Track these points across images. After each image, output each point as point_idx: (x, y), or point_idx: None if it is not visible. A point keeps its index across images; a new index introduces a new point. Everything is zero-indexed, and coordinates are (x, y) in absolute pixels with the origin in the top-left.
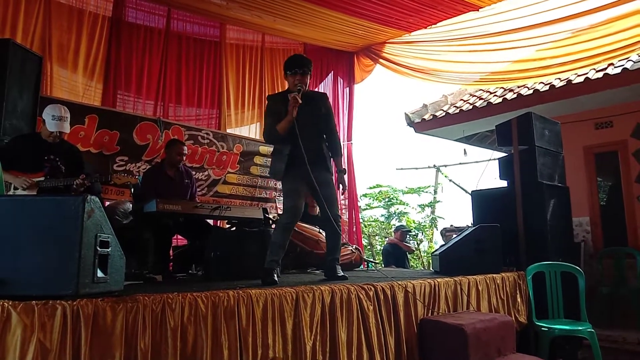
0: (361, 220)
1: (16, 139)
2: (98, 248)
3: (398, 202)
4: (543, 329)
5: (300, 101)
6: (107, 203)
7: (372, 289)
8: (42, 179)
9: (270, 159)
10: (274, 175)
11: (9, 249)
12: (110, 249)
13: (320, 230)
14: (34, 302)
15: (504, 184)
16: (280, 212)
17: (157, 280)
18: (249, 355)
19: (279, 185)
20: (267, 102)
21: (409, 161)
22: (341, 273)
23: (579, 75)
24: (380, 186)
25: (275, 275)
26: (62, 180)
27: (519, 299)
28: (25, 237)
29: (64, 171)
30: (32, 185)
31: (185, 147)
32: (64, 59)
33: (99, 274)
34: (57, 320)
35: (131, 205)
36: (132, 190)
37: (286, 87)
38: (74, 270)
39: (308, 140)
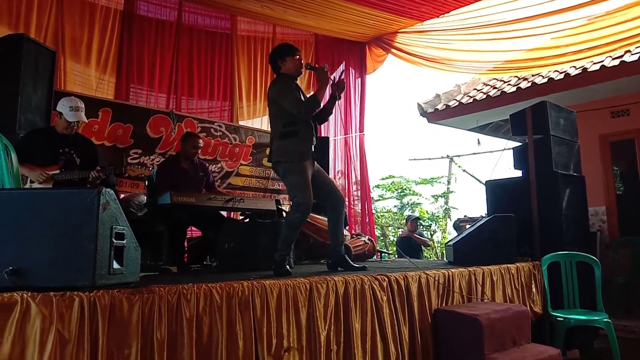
0: (374, 211)
1: (31, 132)
2: (114, 240)
3: (411, 192)
4: (559, 319)
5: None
6: (122, 196)
7: (386, 279)
8: (57, 172)
9: None
10: (300, 158)
11: (27, 241)
12: (125, 240)
13: None
14: (52, 293)
15: (518, 173)
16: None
17: (172, 272)
18: (263, 345)
19: None
20: (274, 84)
21: (422, 152)
22: (356, 264)
23: (594, 63)
24: (393, 177)
25: (288, 265)
26: (77, 173)
27: (534, 289)
28: (42, 229)
29: (79, 164)
30: (47, 179)
31: (200, 140)
32: (77, 53)
33: (115, 265)
34: (74, 311)
35: (146, 197)
36: (147, 182)
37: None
38: (90, 262)
39: (312, 123)
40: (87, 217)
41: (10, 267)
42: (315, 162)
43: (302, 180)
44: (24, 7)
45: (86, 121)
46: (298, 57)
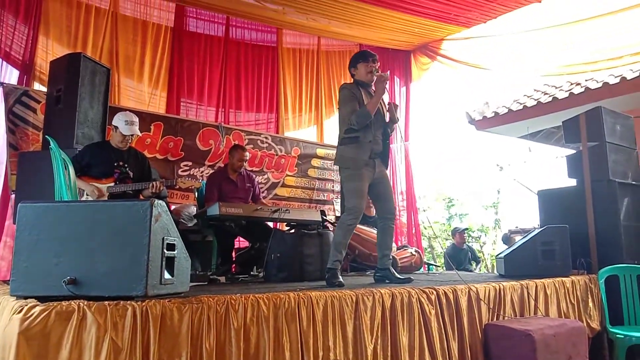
0: (420, 222)
1: (88, 147)
2: (165, 250)
3: (459, 203)
4: (618, 336)
5: (388, 78)
6: (173, 207)
7: (434, 292)
8: (112, 184)
9: (327, 162)
10: (356, 165)
11: (83, 251)
12: (176, 251)
13: None
14: (106, 302)
15: (572, 182)
16: (337, 214)
17: (220, 282)
18: (310, 357)
19: (336, 187)
20: (340, 90)
21: (470, 161)
22: (400, 276)
23: None
24: (441, 187)
25: (341, 276)
26: (131, 185)
27: (590, 304)
28: (97, 240)
29: (133, 177)
30: (101, 194)
31: (247, 153)
32: (130, 69)
33: (166, 275)
34: (127, 320)
35: (195, 208)
36: (196, 194)
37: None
38: (142, 272)
39: (378, 131)
40: (140, 229)
41: (68, 277)
42: (381, 170)
43: (356, 188)
44: (82, 28)
45: (140, 135)
46: (369, 64)
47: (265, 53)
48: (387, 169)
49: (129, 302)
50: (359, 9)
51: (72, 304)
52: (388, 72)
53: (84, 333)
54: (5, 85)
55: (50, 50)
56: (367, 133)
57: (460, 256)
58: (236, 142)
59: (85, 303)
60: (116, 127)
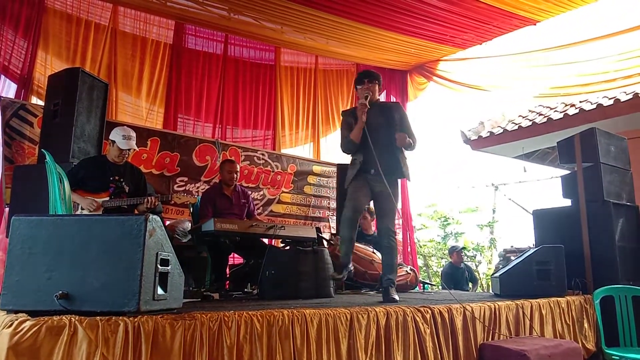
0: (416, 241)
1: (84, 161)
2: (159, 266)
3: (455, 222)
4: (614, 357)
5: (368, 106)
6: (167, 222)
7: (429, 311)
8: (107, 199)
9: (323, 179)
10: (345, 184)
11: (76, 265)
12: (170, 267)
13: (374, 251)
14: (98, 317)
15: (567, 202)
16: (332, 231)
17: (214, 298)
18: None
19: (332, 204)
20: (341, 117)
21: (465, 180)
22: (395, 296)
23: None
24: (436, 205)
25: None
26: (126, 200)
27: (586, 325)
28: (90, 254)
29: (128, 192)
30: (98, 207)
31: (236, 165)
32: (128, 84)
33: (159, 291)
34: (119, 335)
35: (190, 224)
36: (191, 209)
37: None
38: (135, 288)
39: (382, 149)
40: (134, 244)
41: (60, 291)
42: (381, 186)
43: (350, 195)
44: (81, 43)
45: (137, 149)
46: (362, 86)
47: (263, 71)
48: (400, 179)
49: (121, 317)
50: (356, 29)
51: (63, 318)
52: (366, 99)
53: (75, 349)
54: (2, 98)
55: (49, 64)
56: (358, 155)
57: (458, 275)
58: (229, 158)
59: (76, 318)
60: (113, 142)
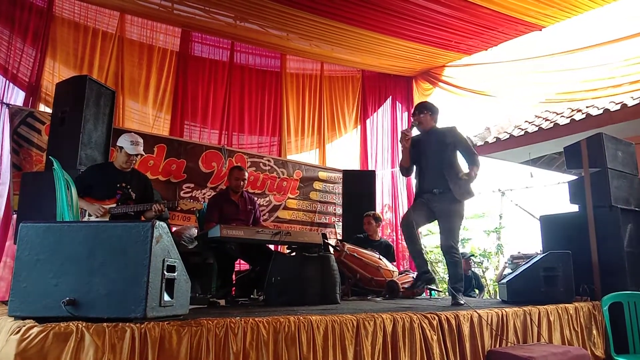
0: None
1: (91, 168)
2: (165, 272)
3: (462, 227)
4: None
5: (408, 135)
6: (174, 228)
7: (436, 318)
8: (114, 205)
9: (329, 185)
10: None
11: (83, 272)
12: (176, 273)
13: (381, 257)
14: (105, 324)
15: (574, 208)
16: (338, 237)
17: (220, 305)
18: None
19: (338, 210)
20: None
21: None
22: (460, 300)
23: None
24: None
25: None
26: (133, 206)
27: (594, 331)
28: (97, 261)
29: (134, 198)
30: (105, 213)
31: (244, 172)
32: (135, 92)
33: (166, 297)
34: (126, 342)
35: (196, 230)
36: (198, 215)
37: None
38: (142, 294)
39: (433, 171)
40: (141, 250)
41: (67, 298)
42: (440, 206)
43: (410, 209)
44: (88, 51)
45: (144, 155)
46: (412, 118)
47: (269, 78)
48: (458, 200)
49: (127, 324)
50: (361, 35)
51: (70, 325)
52: (412, 129)
53: (82, 355)
54: (11, 106)
55: (56, 72)
56: (416, 179)
57: (465, 282)
58: (236, 164)
59: (83, 324)
60: (121, 148)
